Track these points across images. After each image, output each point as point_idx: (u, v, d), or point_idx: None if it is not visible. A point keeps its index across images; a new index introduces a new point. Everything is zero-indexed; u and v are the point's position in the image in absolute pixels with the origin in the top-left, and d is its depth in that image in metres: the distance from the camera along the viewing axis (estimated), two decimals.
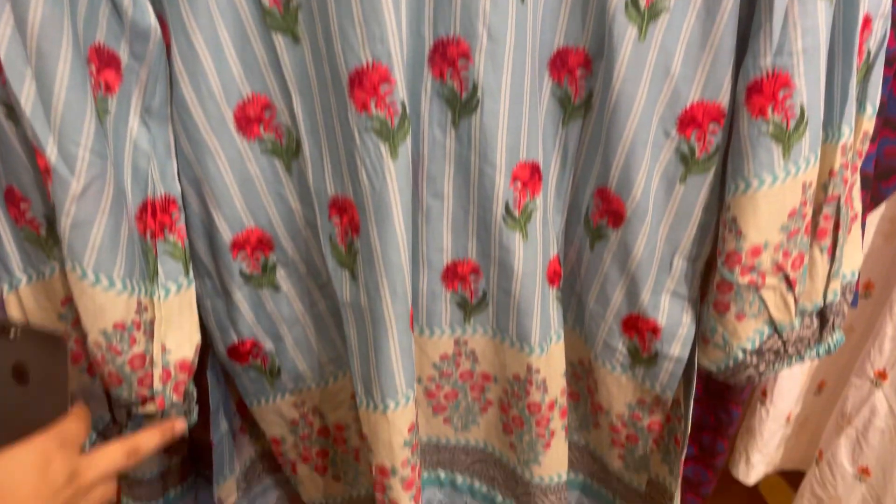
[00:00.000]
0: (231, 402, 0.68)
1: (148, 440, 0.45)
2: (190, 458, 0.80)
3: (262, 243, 0.55)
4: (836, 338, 0.57)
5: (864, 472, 0.81)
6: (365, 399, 0.55)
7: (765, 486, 1.21)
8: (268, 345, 0.59)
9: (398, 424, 0.54)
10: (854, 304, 0.67)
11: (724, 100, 0.48)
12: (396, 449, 0.55)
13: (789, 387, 0.86)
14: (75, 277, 0.45)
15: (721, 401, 0.83)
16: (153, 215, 0.49)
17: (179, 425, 0.49)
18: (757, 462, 0.92)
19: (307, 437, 0.66)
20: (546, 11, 0.48)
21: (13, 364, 0.40)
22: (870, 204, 0.65)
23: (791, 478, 1.19)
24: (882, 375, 0.77)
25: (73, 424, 0.41)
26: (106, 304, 0.46)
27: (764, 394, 0.87)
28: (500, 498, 0.68)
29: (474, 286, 0.57)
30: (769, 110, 0.46)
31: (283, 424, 0.64)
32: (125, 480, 0.74)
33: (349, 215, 0.50)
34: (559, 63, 0.51)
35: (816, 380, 0.89)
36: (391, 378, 0.53)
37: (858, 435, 0.79)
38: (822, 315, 0.56)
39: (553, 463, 0.62)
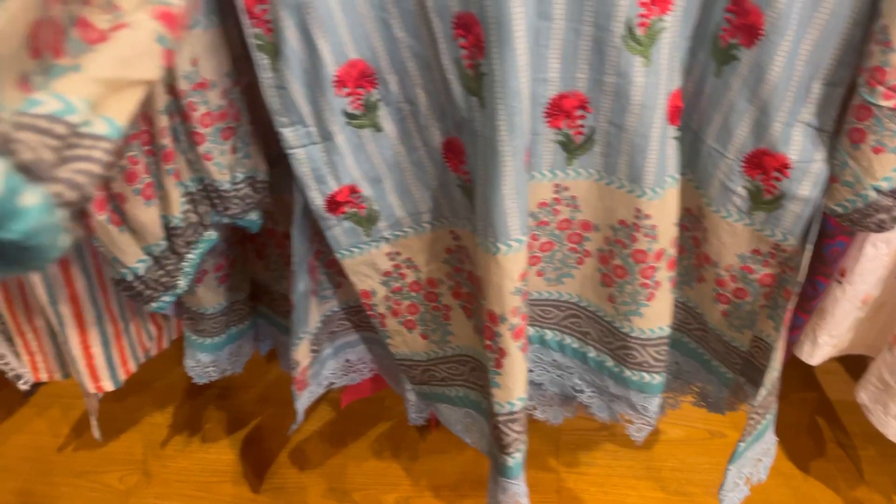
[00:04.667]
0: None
1: None
2: (252, 297, 0.81)
3: (364, 77, 0.51)
4: None
5: None
6: (479, 240, 0.53)
7: (821, 371, 1.20)
8: (366, 190, 0.57)
9: (509, 270, 0.52)
10: None
11: None
12: (506, 295, 0.53)
13: (872, 267, 0.81)
14: None
15: (808, 271, 0.79)
16: None
17: None
18: (824, 343, 0.89)
19: (399, 290, 0.64)
20: None
21: None
22: None
23: (850, 366, 1.18)
24: None
25: None
26: None
27: (843, 273, 0.83)
28: (592, 353, 0.66)
29: (581, 123, 0.53)
30: None
31: (375, 276, 0.62)
32: (188, 315, 0.75)
33: (475, 34, 0.45)
34: None
35: None
36: (502, 219, 0.50)
37: None
38: None
39: (656, 315, 0.60)
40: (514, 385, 0.57)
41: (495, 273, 0.52)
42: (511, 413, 0.59)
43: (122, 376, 0.84)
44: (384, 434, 1.12)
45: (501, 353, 0.56)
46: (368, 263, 0.62)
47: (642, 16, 0.46)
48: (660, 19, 0.47)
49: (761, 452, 0.68)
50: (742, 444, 0.64)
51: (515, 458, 0.62)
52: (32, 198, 0.29)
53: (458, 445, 1.08)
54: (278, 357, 0.89)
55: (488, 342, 0.57)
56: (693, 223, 0.61)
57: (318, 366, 0.74)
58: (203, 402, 1.14)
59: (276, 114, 0.53)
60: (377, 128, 0.54)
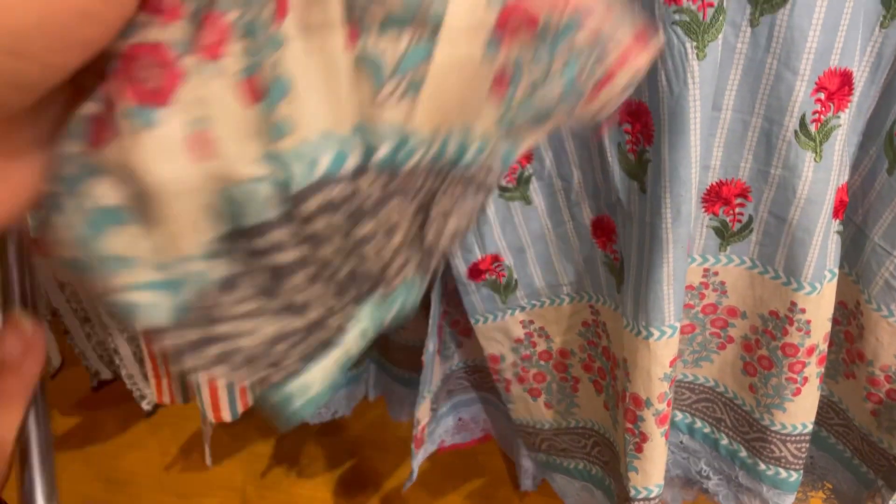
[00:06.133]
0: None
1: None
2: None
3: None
4: None
5: None
6: (630, 322, 0.53)
7: None
8: (508, 259, 0.58)
9: (660, 356, 0.52)
10: None
11: None
12: (654, 381, 0.53)
13: None
14: None
15: None
16: None
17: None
18: None
19: (528, 358, 0.64)
20: None
21: None
22: None
23: None
24: None
25: None
26: None
27: None
28: (724, 441, 0.64)
29: (739, 211, 0.52)
30: None
31: (506, 342, 0.63)
32: None
33: (643, 122, 0.46)
34: None
35: None
36: (659, 305, 0.50)
37: None
38: None
39: (800, 411, 0.57)
40: (653, 470, 0.56)
41: (644, 357, 0.52)
42: (647, 499, 0.58)
43: (240, 409, 0.87)
44: (477, 490, 1.11)
45: (643, 437, 0.55)
46: (501, 330, 0.62)
47: (817, 112, 0.46)
48: (835, 117, 0.46)
49: None
50: None
51: None
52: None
53: None
54: (386, 404, 0.91)
55: (629, 425, 0.56)
56: (846, 318, 0.58)
57: (434, 424, 0.74)
58: (302, 437, 1.17)
59: None
60: (527, 200, 0.56)
